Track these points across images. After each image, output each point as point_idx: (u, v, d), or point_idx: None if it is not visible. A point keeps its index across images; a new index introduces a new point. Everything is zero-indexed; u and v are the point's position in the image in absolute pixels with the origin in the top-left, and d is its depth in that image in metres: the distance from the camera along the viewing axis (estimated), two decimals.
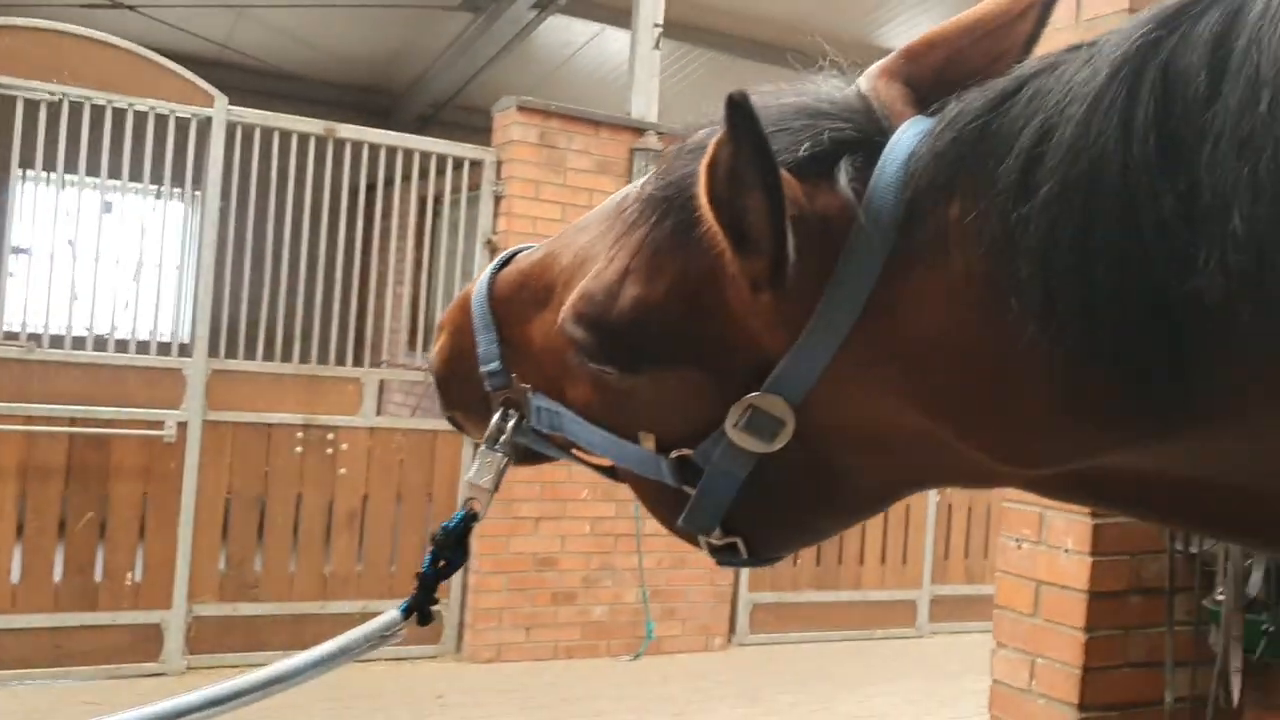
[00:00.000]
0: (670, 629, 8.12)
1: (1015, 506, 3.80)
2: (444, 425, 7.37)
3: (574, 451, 1.45)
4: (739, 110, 0.93)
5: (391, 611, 1.46)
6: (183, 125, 6.72)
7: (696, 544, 1.30)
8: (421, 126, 12.41)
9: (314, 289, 7.12)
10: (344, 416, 7.20)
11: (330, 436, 7.14)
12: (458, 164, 7.55)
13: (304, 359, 7.15)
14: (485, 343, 1.45)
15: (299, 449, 7.04)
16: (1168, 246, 0.82)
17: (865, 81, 1.19)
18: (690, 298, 1.15)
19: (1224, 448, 0.90)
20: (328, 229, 7.16)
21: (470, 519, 1.45)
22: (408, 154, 7.44)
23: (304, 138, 7.07)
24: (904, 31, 10.60)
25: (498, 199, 7.54)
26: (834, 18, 10.56)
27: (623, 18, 8.89)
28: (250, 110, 6.94)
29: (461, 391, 1.54)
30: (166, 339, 7.03)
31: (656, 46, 8.25)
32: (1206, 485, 0.95)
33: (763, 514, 1.22)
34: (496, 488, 1.46)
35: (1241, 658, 3.34)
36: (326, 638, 1.45)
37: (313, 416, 7.08)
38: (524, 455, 1.52)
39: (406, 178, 7.53)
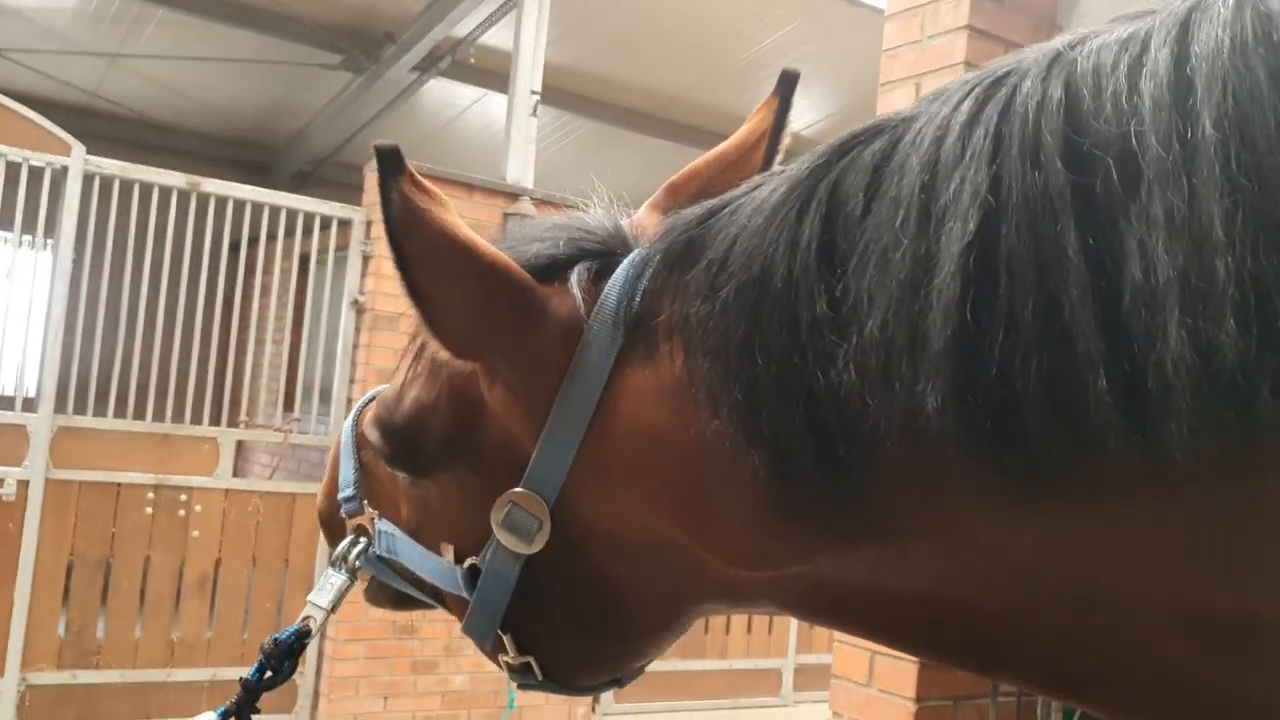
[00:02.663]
0: (533, 698, 7.99)
1: None
2: (304, 488, 7.26)
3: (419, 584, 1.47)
4: (385, 157, 0.99)
5: (208, 714, 1.46)
6: (36, 174, 6.52)
7: (499, 663, 1.32)
8: (300, 184, 12.29)
9: (171, 345, 6.93)
10: (199, 477, 6.99)
11: (183, 498, 6.92)
12: (326, 223, 7.47)
13: (158, 417, 6.94)
14: (346, 469, 1.52)
15: (149, 510, 6.80)
16: (818, 346, 0.88)
17: (632, 214, 1.29)
18: (456, 398, 1.22)
19: (919, 556, 0.92)
20: (188, 284, 6.99)
21: (303, 636, 1.47)
22: (275, 211, 7.32)
23: (166, 190, 6.91)
24: None
25: (366, 259, 7.46)
26: (713, 92, 10.81)
27: (505, 83, 8.95)
28: (109, 160, 6.77)
29: (339, 526, 1.57)
30: (10, 393, 6.77)
31: (534, 113, 8.31)
32: (937, 601, 0.95)
33: (542, 628, 1.25)
34: (334, 610, 1.50)
35: None
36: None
37: (165, 476, 6.85)
38: (395, 598, 1.58)
39: (272, 236, 7.41)
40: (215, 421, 7.27)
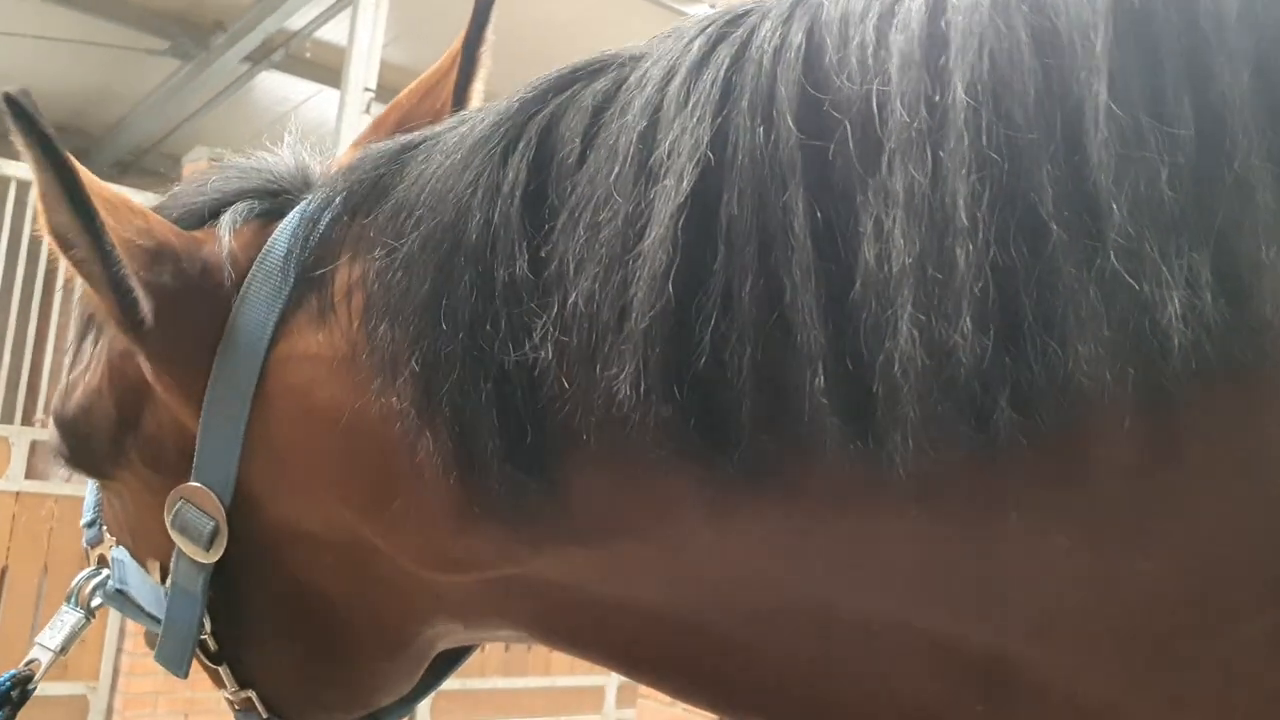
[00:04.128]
0: None
1: None
2: None
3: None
4: (14, 108, 0.83)
5: None
6: None
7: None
8: (121, 173, 11.71)
9: None
10: None
11: None
12: None
13: None
14: (90, 493, 1.32)
15: None
16: (514, 314, 0.76)
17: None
18: (117, 377, 1.05)
19: (636, 562, 0.80)
20: None
21: (23, 682, 1.24)
22: None
23: None
24: None
25: None
26: None
27: (339, 79, 8.68)
28: None
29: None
30: None
31: (367, 111, 8.06)
32: (666, 618, 0.82)
33: (255, 654, 1.09)
34: (64, 651, 1.28)
35: None
36: None
37: None
38: None
39: None
40: (7, 419, 6.80)
